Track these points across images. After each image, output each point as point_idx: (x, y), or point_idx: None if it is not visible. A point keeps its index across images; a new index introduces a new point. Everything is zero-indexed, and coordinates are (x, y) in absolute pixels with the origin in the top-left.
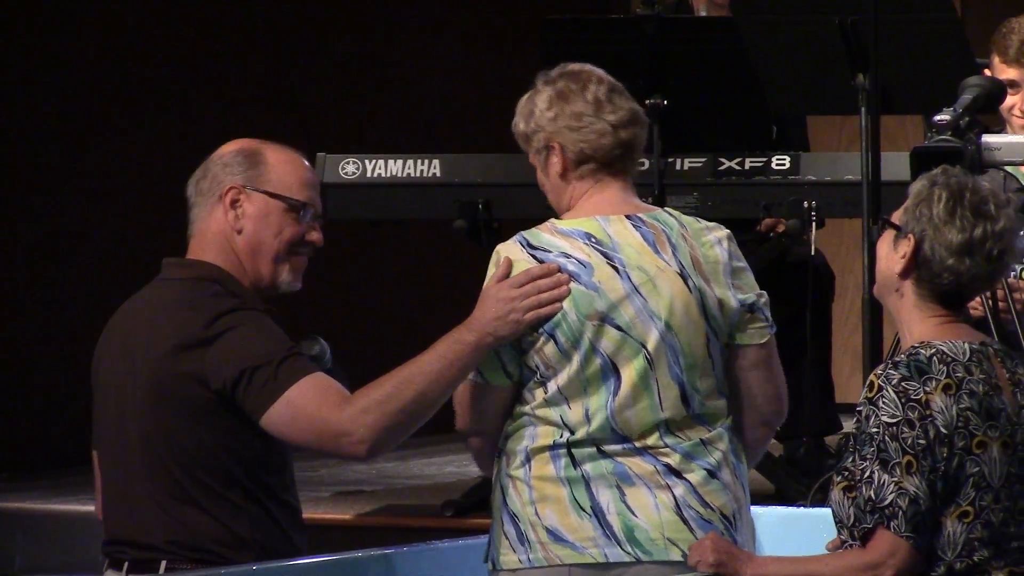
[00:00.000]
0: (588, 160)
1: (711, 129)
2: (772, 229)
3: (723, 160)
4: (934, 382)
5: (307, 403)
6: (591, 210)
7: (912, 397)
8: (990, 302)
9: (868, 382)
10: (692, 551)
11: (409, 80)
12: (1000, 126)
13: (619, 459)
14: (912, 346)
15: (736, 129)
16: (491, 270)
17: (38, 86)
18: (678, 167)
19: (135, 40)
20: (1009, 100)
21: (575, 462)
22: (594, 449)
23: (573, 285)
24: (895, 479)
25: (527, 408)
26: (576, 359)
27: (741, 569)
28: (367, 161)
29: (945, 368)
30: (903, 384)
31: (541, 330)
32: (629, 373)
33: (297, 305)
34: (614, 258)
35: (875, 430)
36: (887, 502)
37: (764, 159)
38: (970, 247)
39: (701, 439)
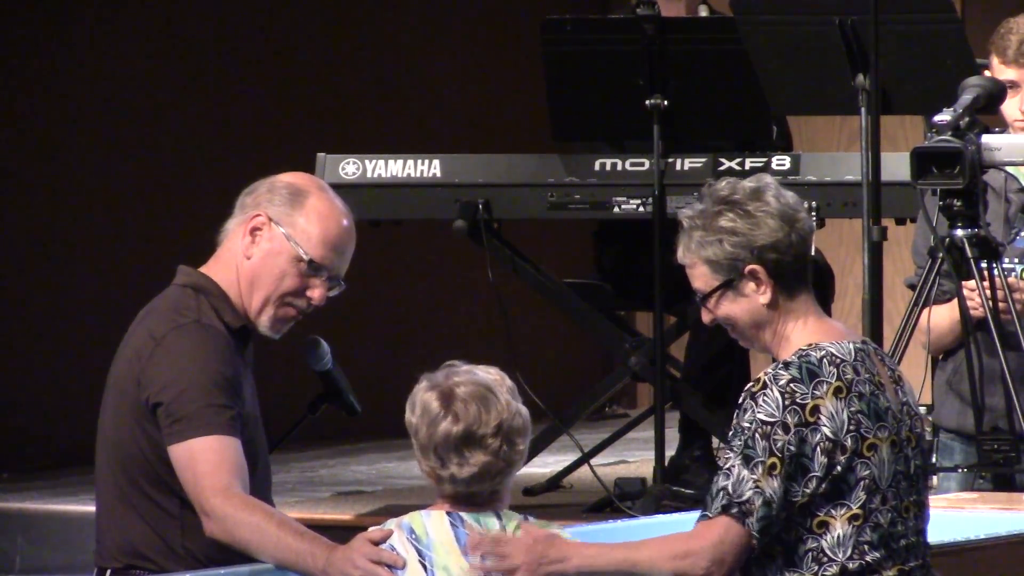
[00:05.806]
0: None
1: (711, 129)
2: None
3: (723, 160)
4: (825, 385)
5: (201, 463)
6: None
7: (798, 401)
8: (990, 302)
9: (756, 378)
10: (499, 547)
11: (409, 80)
12: (1001, 127)
13: None
14: (801, 348)
15: (736, 129)
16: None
17: (38, 90)
18: (678, 167)
19: (134, 40)
20: (1009, 101)
21: None
22: None
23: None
24: (754, 477)
25: None
26: None
27: (566, 563)
28: (367, 161)
29: (835, 370)
30: (791, 386)
31: None
32: None
33: None
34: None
35: (747, 424)
36: (745, 498)
37: (764, 159)
38: (785, 217)
39: None
